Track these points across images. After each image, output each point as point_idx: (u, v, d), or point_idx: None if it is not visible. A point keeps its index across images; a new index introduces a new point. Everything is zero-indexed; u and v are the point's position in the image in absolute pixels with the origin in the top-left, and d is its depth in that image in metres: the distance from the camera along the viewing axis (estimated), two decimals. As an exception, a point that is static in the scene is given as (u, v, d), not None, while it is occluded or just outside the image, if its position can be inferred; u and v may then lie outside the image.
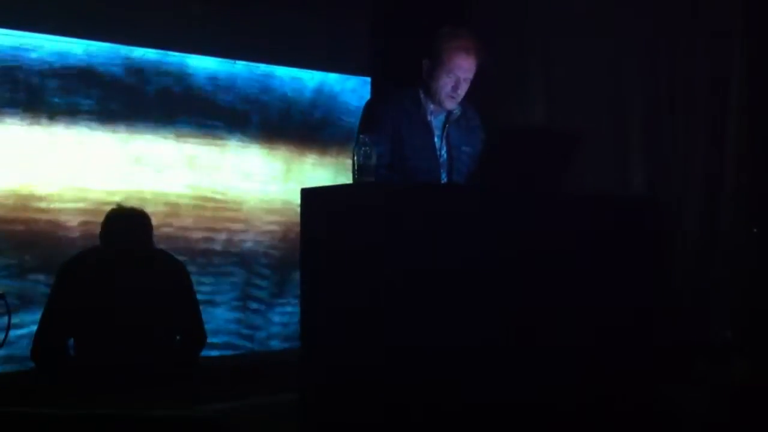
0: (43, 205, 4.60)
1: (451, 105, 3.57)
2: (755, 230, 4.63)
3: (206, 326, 3.97)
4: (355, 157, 2.98)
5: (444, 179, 3.57)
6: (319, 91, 5.51)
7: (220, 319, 5.12)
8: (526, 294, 2.99)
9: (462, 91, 3.54)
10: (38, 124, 4.60)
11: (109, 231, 3.80)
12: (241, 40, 5.13)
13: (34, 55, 4.58)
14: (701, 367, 4.12)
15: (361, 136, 3.04)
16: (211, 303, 5.05)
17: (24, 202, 4.54)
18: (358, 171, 2.97)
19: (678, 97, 5.09)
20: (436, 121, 3.60)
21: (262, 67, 5.33)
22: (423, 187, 3.26)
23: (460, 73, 3.50)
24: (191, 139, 5.08)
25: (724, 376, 3.98)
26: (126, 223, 3.81)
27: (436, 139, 3.58)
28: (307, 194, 3.09)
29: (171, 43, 4.97)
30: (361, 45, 5.43)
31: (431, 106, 3.58)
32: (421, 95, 3.58)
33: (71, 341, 3.77)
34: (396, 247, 2.82)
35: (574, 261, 3.10)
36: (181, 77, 5.05)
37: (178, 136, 5.04)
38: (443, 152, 3.59)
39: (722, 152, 4.94)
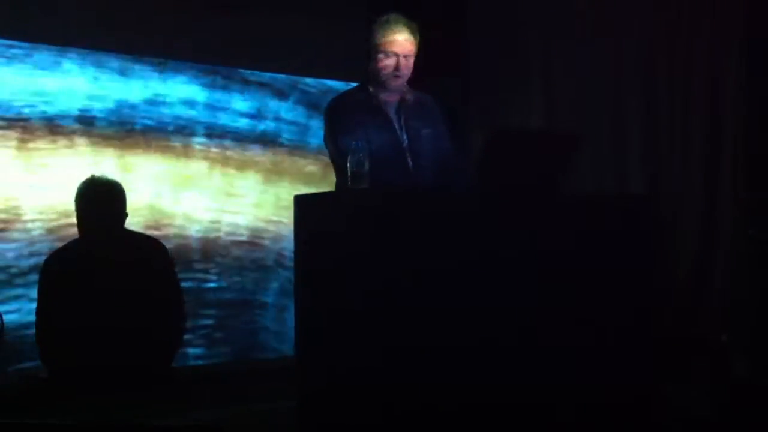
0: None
1: (395, 84, 3.61)
2: (751, 232, 4.62)
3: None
4: (348, 165, 2.99)
5: (410, 164, 3.60)
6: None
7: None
8: (524, 295, 2.98)
9: (404, 69, 3.59)
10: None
11: (81, 217, 3.80)
12: (238, 48, 5.13)
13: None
14: (700, 367, 4.11)
15: (354, 143, 3.05)
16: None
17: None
18: (351, 178, 2.98)
19: (677, 98, 5.08)
20: (390, 108, 3.66)
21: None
22: (417, 192, 3.26)
23: (396, 49, 3.56)
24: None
25: (722, 376, 3.97)
26: (96, 206, 3.78)
27: (396, 126, 3.64)
28: (301, 201, 3.10)
29: (170, 52, 4.98)
30: (360, 51, 5.42)
31: (381, 96, 3.64)
32: (371, 88, 3.64)
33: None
34: (391, 253, 2.82)
35: (573, 262, 3.08)
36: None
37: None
38: (404, 137, 3.64)
39: (720, 153, 4.93)
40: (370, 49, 3.61)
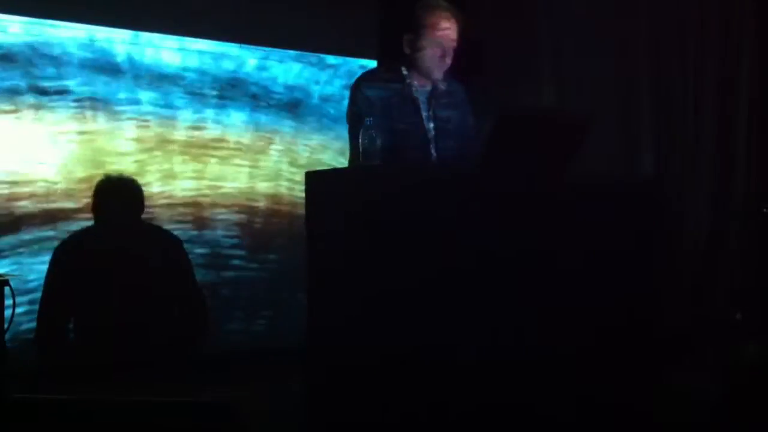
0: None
1: (439, 74, 3.52)
2: (766, 210, 4.59)
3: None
4: (360, 141, 2.96)
5: (434, 154, 3.52)
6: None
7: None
8: (531, 282, 2.95)
9: (449, 59, 3.49)
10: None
11: (100, 206, 3.84)
12: (244, 23, 5.12)
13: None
14: (710, 350, 4.10)
15: (366, 119, 3.01)
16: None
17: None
18: (363, 155, 2.95)
19: (689, 80, 5.05)
20: (421, 95, 3.55)
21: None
22: (427, 170, 3.23)
23: (445, 41, 3.46)
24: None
25: (732, 358, 3.96)
26: (116, 197, 3.83)
27: (423, 114, 3.54)
28: (312, 178, 3.05)
29: (172, 27, 4.96)
30: (369, 27, 5.40)
31: (415, 82, 3.54)
32: (404, 71, 3.53)
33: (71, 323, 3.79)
34: (399, 231, 2.78)
35: (580, 246, 3.05)
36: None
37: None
38: (431, 127, 3.55)
39: (733, 132, 4.91)
40: (412, 34, 3.49)
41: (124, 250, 3.74)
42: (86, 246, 3.80)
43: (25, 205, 4.51)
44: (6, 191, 4.43)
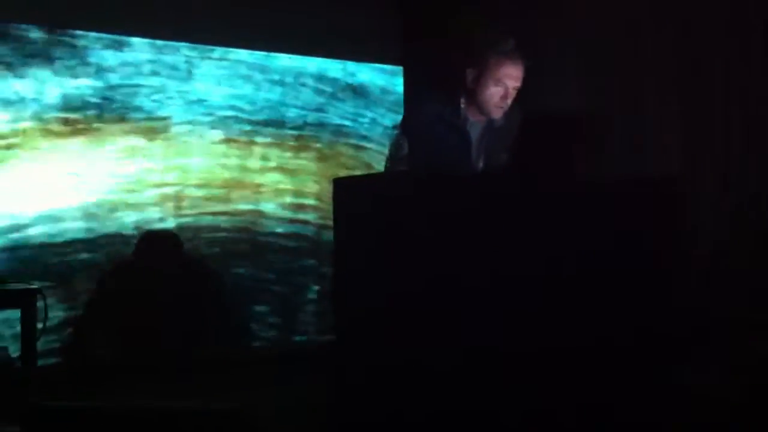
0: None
1: (498, 114, 3.48)
2: None
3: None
4: (388, 147, 2.99)
5: None
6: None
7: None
8: (540, 284, 2.89)
9: (510, 99, 3.46)
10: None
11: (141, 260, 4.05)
12: (268, 30, 5.10)
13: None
14: (717, 349, 4.08)
15: (393, 127, 3.04)
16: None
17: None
18: (390, 161, 2.99)
19: (694, 76, 5.03)
20: (474, 130, 3.51)
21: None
22: (452, 177, 3.23)
23: (509, 81, 3.41)
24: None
25: (744, 358, 3.94)
26: (154, 255, 4.08)
27: (473, 149, 3.49)
28: (340, 184, 3.05)
29: (197, 36, 4.95)
30: (393, 33, 5.40)
31: (471, 117, 3.49)
32: (462, 103, 3.49)
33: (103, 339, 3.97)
34: (426, 237, 2.78)
35: (589, 247, 2.97)
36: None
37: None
38: (480, 162, 3.51)
39: (738, 132, 4.88)
40: (476, 70, 3.44)
41: (163, 281, 3.95)
42: (127, 272, 4.07)
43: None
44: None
